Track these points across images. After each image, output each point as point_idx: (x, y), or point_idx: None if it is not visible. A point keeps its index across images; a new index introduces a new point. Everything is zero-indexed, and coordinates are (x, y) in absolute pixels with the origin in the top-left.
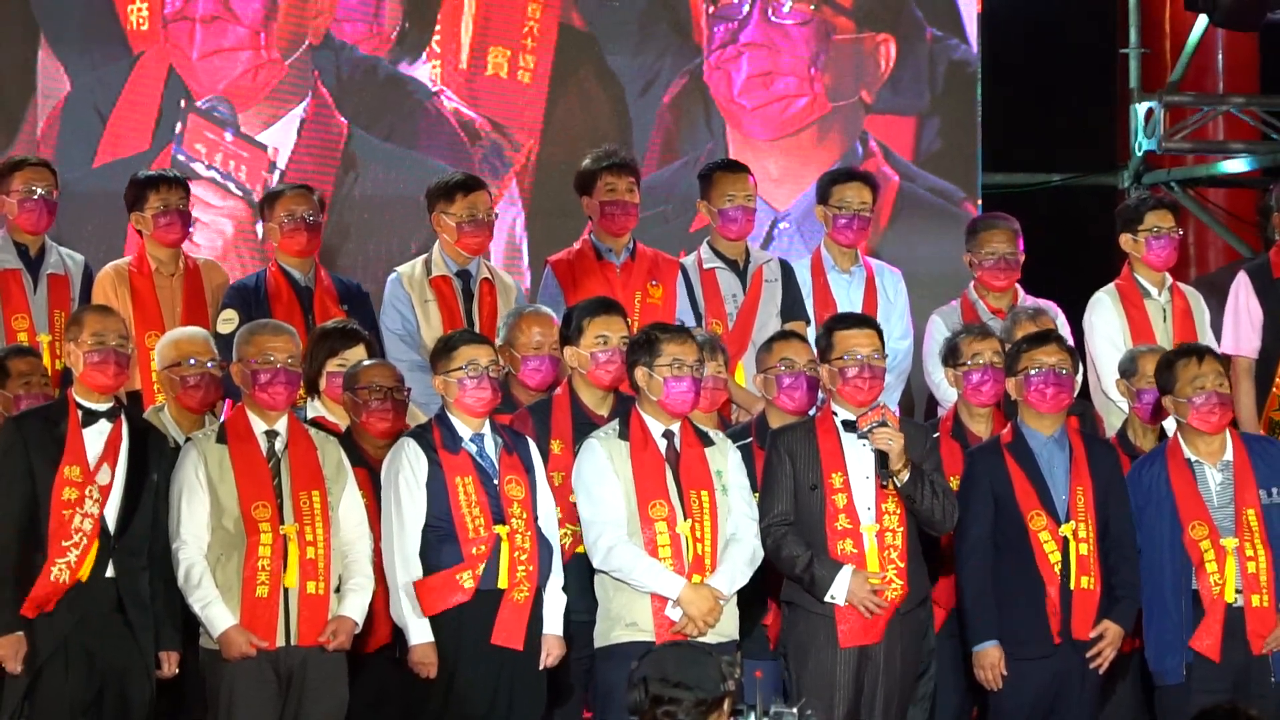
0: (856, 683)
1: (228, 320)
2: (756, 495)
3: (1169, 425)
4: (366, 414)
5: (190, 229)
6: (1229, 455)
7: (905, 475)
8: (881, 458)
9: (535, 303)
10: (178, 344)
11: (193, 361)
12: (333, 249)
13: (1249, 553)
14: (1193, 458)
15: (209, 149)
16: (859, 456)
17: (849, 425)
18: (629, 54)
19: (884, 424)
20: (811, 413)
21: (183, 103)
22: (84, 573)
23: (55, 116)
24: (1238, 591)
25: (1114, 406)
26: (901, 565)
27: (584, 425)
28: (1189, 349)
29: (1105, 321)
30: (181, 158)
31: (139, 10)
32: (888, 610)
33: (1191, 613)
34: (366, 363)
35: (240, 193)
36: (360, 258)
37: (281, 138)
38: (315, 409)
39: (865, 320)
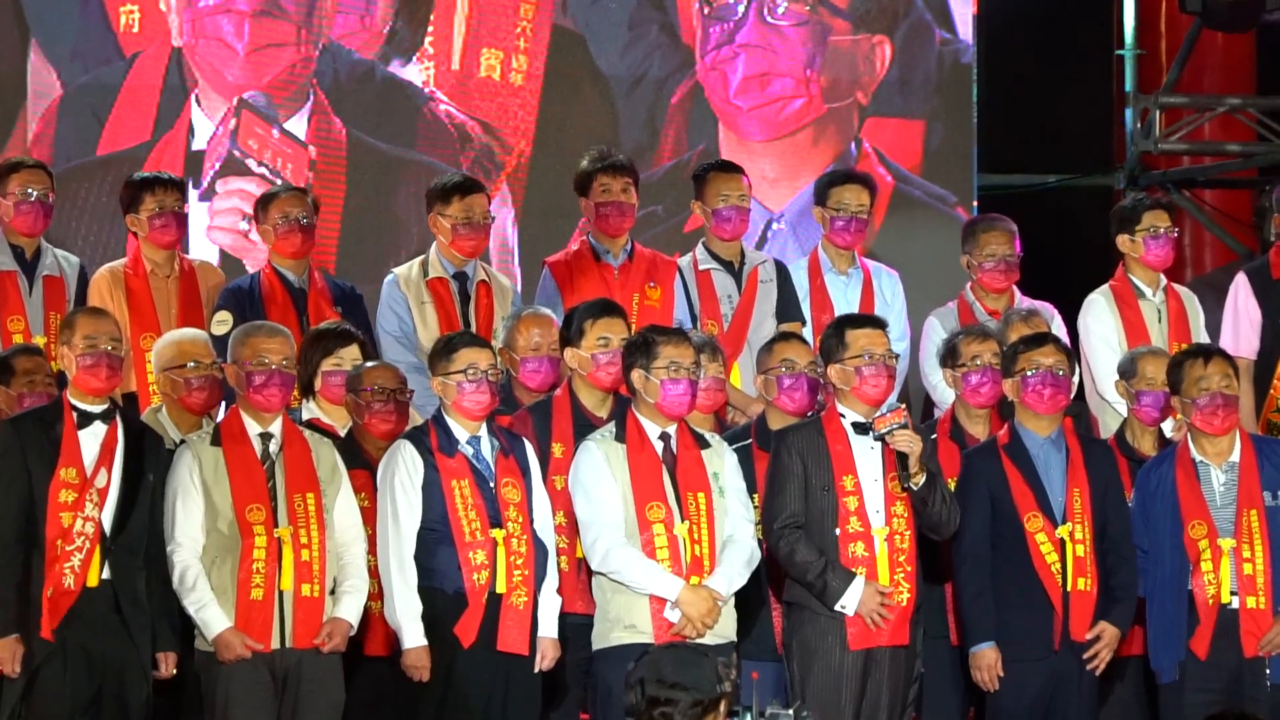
0: (862, 685)
1: (222, 322)
2: (755, 497)
3: (1167, 427)
4: (369, 416)
5: (185, 230)
6: (1235, 457)
7: (922, 478)
8: (900, 460)
9: (532, 304)
10: (179, 345)
11: (194, 364)
12: (335, 249)
13: (1246, 554)
14: (1199, 458)
15: (260, 145)
16: (868, 459)
17: (858, 427)
18: (618, 54)
19: (904, 426)
20: (814, 412)
21: (236, 98)
22: (92, 578)
23: (48, 119)
24: (1233, 593)
25: (1108, 407)
26: (910, 569)
27: (584, 427)
28: (1198, 349)
29: (1100, 323)
30: (237, 154)
31: (130, 12)
32: (899, 615)
33: (1189, 612)
34: (370, 364)
35: None
36: (359, 259)
37: (298, 135)
38: (310, 410)
39: (876, 320)
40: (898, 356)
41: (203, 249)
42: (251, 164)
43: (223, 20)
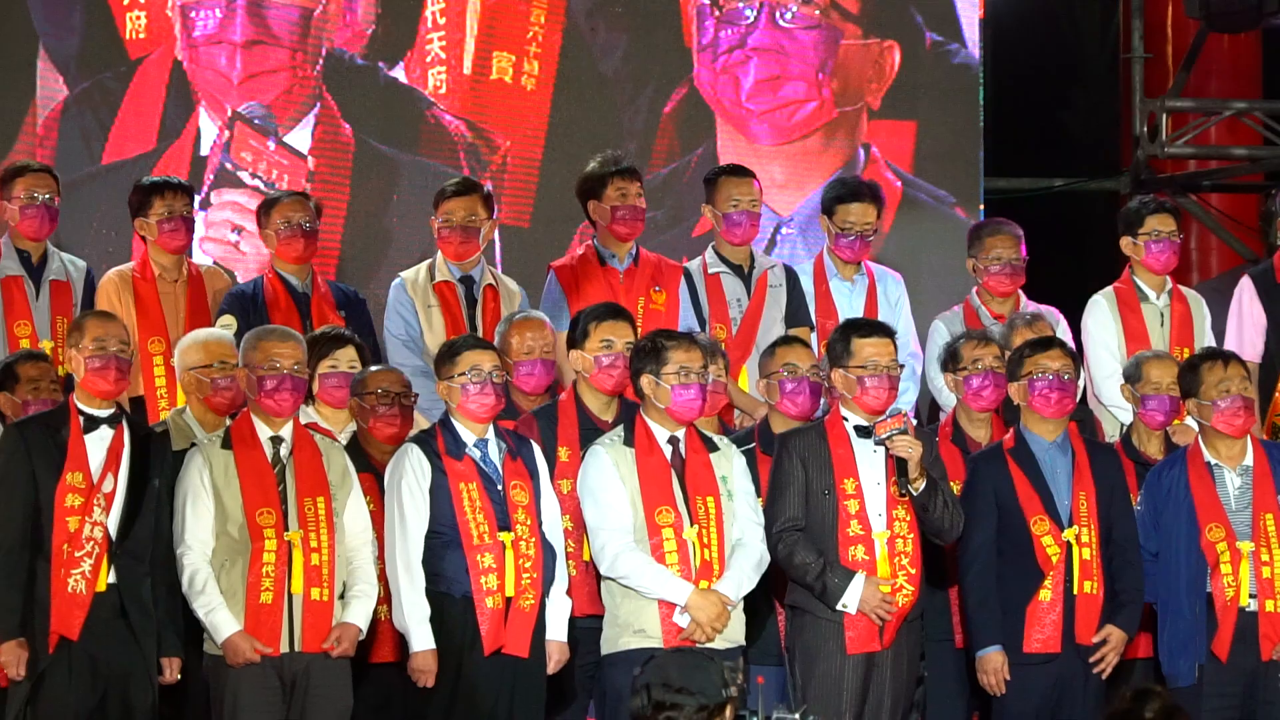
0: (863, 689)
1: (225, 326)
2: (760, 500)
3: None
4: (373, 419)
5: (193, 235)
6: (1249, 460)
7: (921, 484)
8: (899, 466)
9: (537, 308)
10: (206, 346)
11: (220, 364)
12: (342, 255)
13: (1264, 557)
14: (1212, 461)
15: (254, 157)
16: (870, 462)
17: (861, 431)
18: (621, 60)
19: (903, 431)
20: (818, 416)
21: (228, 110)
22: (98, 583)
23: (53, 123)
24: (1251, 596)
25: (1105, 411)
26: (913, 571)
27: (589, 430)
28: (1214, 352)
29: (1100, 325)
30: (230, 166)
31: (137, 19)
32: (898, 616)
33: (1205, 616)
34: (374, 368)
35: None
36: (364, 263)
37: (300, 145)
38: (308, 415)
39: (883, 328)
40: (903, 366)
41: (195, 260)
42: (245, 176)
43: (216, 51)
